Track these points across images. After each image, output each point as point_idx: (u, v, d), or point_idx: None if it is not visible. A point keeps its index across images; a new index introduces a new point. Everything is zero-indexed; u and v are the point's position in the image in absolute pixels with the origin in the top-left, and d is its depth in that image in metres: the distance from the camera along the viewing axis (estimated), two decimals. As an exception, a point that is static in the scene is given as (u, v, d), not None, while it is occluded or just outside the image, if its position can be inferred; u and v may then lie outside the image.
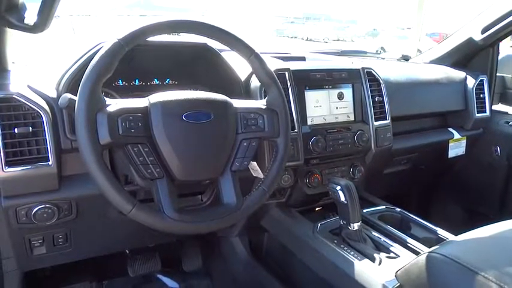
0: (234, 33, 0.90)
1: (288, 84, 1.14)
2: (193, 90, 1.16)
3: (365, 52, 1.97)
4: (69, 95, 0.76)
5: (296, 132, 1.13)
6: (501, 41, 1.67)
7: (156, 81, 1.18)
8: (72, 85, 0.91)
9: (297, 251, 1.18)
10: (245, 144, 0.88)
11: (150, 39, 0.83)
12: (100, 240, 1.18)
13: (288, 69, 1.15)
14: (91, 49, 0.96)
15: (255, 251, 1.38)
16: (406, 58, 1.93)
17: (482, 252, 0.79)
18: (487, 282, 0.68)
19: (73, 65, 0.94)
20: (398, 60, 1.94)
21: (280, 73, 1.13)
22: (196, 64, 1.16)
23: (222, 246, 1.47)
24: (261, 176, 0.96)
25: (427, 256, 0.79)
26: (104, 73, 0.76)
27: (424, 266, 0.78)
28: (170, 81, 1.19)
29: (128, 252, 1.48)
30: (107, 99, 0.77)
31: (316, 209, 1.35)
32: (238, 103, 0.90)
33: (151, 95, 0.82)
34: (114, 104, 0.76)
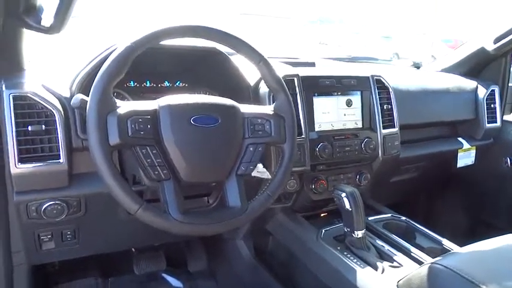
0: (243, 39, 0.92)
1: (297, 90, 1.15)
2: (203, 93, 1.18)
3: (376, 59, 1.97)
4: (81, 96, 0.78)
5: (303, 138, 1.14)
6: (513, 51, 1.65)
7: (166, 83, 1.20)
8: (85, 86, 0.94)
9: (300, 255, 1.19)
10: (251, 149, 0.89)
11: (162, 42, 0.85)
12: (107, 237, 1.20)
13: (297, 76, 1.16)
14: (104, 51, 0.98)
15: (259, 254, 1.39)
16: (417, 66, 1.92)
17: (486, 265, 0.79)
18: None
19: (86, 66, 0.96)
20: (409, 67, 1.94)
21: (289, 79, 1.14)
22: (206, 67, 1.18)
23: (227, 248, 1.48)
24: (268, 176, 0.96)
25: (430, 267, 0.79)
26: (115, 76, 0.78)
27: (426, 277, 0.78)
28: (180, 84, 1.21)
29: (133, 250, 1.51)
30: (117, 100, 0.79)
31: (322, 215, 1.36)
32: (245, 108, 0.91)
33: (160, 97, 0.84)
34: (124, 106, 0.78)
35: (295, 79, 1.15)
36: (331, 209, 1.33)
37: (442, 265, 0.77)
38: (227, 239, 1.46)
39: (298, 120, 1.13)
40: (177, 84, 1.21)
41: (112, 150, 0.77)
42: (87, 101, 0.77)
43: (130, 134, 0.77)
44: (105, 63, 0.78)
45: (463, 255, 0.83)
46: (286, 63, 1.34)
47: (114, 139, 0.75)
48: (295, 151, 0.96)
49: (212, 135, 0.84)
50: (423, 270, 0.80)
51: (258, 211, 0.88)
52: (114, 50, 0.80)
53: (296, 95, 1.14)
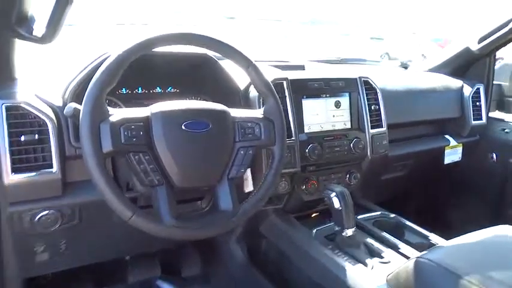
0: (231, 45, 0.94)
1: (286, 93, 1.17)
2: (194, 99, 1.20)
3: (364, 60, 2.01)
4: (74, 105, 0.80)
5: (293, 139, 1.16)
6: (497, 50, 1.69)
7: (158, 90, 1.22)
8: (77, 94, 0.95)
9: (293, 256, 1.21)
10: (242, 152, 0.92)
11: (154, 49, 0.87)
12: (101, 246, 1.21)
13: (285, 79, 1.18)
14: (96, 59, 0.99)
15: (253, 256, 1.42)
16: (405, 66, 1.96)
17: (469, 257, 0.82)
18: (470, 285, 0.71)
19: (78, 75, 0.98)
20: (397, 68, 1.97)
21: (278, 82, 1.16)
22: (197, 73, 1.20)
23: (221, 252, 1.50)
24: (251, 189, 0.99)
25: (416, 261, 0.82)
26: (107, 84, 0.80)
27: (412, 271, 0.81)
28: (172, 90, 1.23)
29: (127, 258, 1.51)
30: (110, 108, 0.81)
31: (313, 215, 1.38)
32: (236, 112, 0.93)
33: (153, 103, 0.86)
34: (116, 114, 0.80)
35: (284, 82, 1.18)
36: (323, 209, 1.35)
37: (427, 259, 0.80)
38: (221, 243, 1.48)
39: (288, 122, 1.15)
40: (168, 90, 1.23)
41: (105, 158, 0.79)
42: (80, 110, 0.78)
43: (123, 141, 0.79)
44: (97, 71, 0.80)
45: (447, 248, 0.87)
46: (276, 66, 1.37)
47: (107, 146, 0.77)
48: (285, 153, 0.99)
49: (203, 140, 0.87)
50: (410, 264, 0.83)
51: (249, 213, 0.91)
52: (106, 59, 0.82)
53: (285, 97, 1.17)
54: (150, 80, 1.19)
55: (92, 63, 0.99)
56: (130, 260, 1.51)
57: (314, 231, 1.19)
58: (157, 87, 1.22)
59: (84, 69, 0.98)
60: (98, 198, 0.79)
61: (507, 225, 0.99)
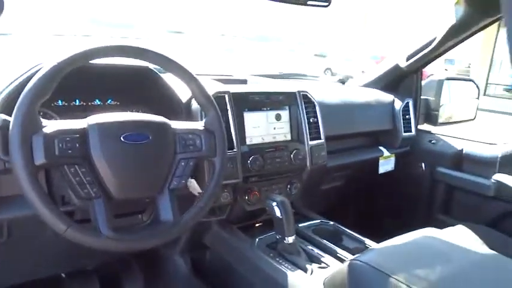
0: (172, 58, 0.96)
1: (228, 106, 1.20)
2: (135, 111, 1.19)
3: (305, 75, 2.10)
4: (3, 116, 0.77)
5: (235, 151, 1.19)
6: (423, 67, 1.84)
7: (97, 102, 1.19)
8: (7, 105, 0.91)
9: (236, 265, 1.23)
10: (183, 163, 0.93)
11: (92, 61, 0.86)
12: (34, 263, 1.15)
13: (227, 92, 1.21)
14: (29, 70, 0.96)
15: (197, 269, 1.41)
16: (342, 81, 2.07)
17: (397, 257, 0.88)
18: (398, 283, 0.77)
19: (9, 85, 0.94)
20: (334, 83, 2.08)
21: (220, 96, 1.19)
22: (139, 86, 1.19)
23: (164, 266, 1.48)
24: (198, 190, 1.00)
25: (349, 264, 0.87)
26: (40, 96, 0.78)
27: (346, 273, 0.86)
28: (112, 102, 1.21)
29: (63, 275, 1.44)
30: (44, 120, 0.79)
31: (256, 225, 1.41)
32: (176, 124, 0.94)
33: (90, 116, 0.85)
34: (50, 125, 0.78)
35: (226, 96, 1.21)
36: (265, 219, 1.39)
37: (359, 261, 0.86)
38: (164, 256, 1.46)
39: (230, 135, 1.18)
40: (108, 102, 1.21)
41: (38, 171, 0.76)
42: (9, 121, 0.76)
43: (57, 153, 0.77)
44: (29, 82, 0.78)
45: (378, 250, 0.93)
46: (218, 80, 1.40)
47: (39, 159, 0.75)
48: (226, 164, 1.01)
49: (143, 151, 0.86)
50: (344, 267, 0.88)
51: (190, 223, 0.91)
52: (39, 70, 0.80)
53: (227, 110, 1.20)
54: (88, 92, 1.17)
55: (24, 73, 0.95)
56: (67, 278, 1.44)
57: (256, 240, 1.22)
58: (96, 100, 1.19)
59: (16, 79, 0.95)
60: (30, 212, 0.76)
61: (433, 228, 1.08)
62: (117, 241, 0.81)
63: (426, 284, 0.77)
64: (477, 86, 2.03)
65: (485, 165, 1.61)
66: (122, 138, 0.83)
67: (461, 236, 1.19)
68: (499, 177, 1.55)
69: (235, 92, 1.23)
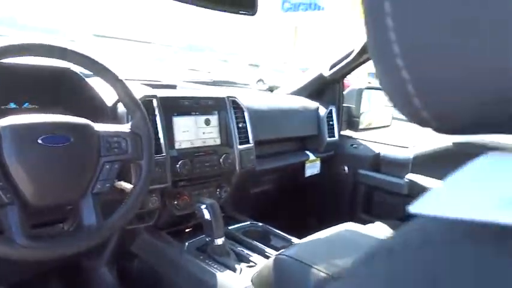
0: (97, 60, 0.93)
1: (156, 110, 1.19)
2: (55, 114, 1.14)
3: (235, 83, 2.15)
4: None
5: (164, 155, 1.18)
6: (345, 77, 1.98)
7: (12, 105, 1.12)
8: None
9: (166, 271, 1.21)
10: (108, 167, 0.91)
11: (4, 60, 0.82)
12: None
13: (155, 96, 1.21)
14: None
15: (124, 279, 1.37)
16: (271, 89, 2.15)
17: (318, 249, 0.94)
18: (318, 272, 0.82)
19: None
20: (263, 91, 2.15)
21: (148, 100, 1.18)
22: (60, 88, 1.14)
23: (89, 279, 1.41)
24: (129, 188, 0.98)
25: (274, 258, 0.91)
26: None
27: (272, 267, 0.90)
28: (29, 106, 1.15)
29: None
30: None
31: (186, 230, 1.41)
32: (100, 127, 0.92)
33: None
34: None
35: (154, 100, 1.20)
36: (196, 223, 1.39)
37: (284, 255, 0.90)
38: (89, 268, 1.39)
39: (158, 139, 1.17)
40: (24, 106, 1.14)
41: None
42: None
43: None
44: None
45: (300, 245, 0.98)
46: (147, 85, 1.38)
47: None
48: (153, 167, 1.00)
49: (63, 154, 0.83)
50: (270, 262, 0.92)
51: (115, 227, 0.89)
52: None
53: (155, 115, 1.19)
54: (1, 94, 1.09)
55: None
56: None
57: (186, 244, 1.22)
58: (11, 103, 1.12)
59: None
60: None
61: (350, 223, 1.17)
62: (34, 249, 0.77)
63: (342, 270, 0.83)
64: (392, 95, 2.21)
65: (400, 167, 1.76)
66: (39, 141, 0.80)
67: (375, 230, 1.30)
68: (411, 176, 1.70)
69: (164, 97, 1.23)
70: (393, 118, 2.21)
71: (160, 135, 1.18)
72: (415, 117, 0.24)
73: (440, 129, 0.24)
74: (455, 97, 0.21)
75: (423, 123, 0.24)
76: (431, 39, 0.20)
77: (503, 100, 0.20)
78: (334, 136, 1.92)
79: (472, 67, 0.20)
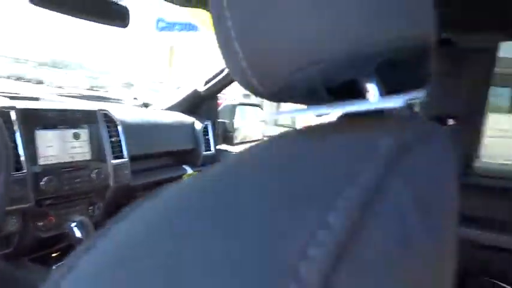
0: None
1: (15, 123, 1.09)
2: None
3: (108, 98, 2.06)
4: None
5: (24, 172, 1.08)
6: (218, 93, 2.07)
7: None
8: None
9: None
10: None
11: None
12: None
13: (13, 108, 1.10)
14: None
15: None
16: (146, 105, 2.12)
17: None
18: None
19: None
20: (138, 106, 2.11)
21: (4, 112, 1.07)
22: None
23: None
24: None
25: None
26: None
27: None
28: None
29: None
30: None
31: (54, 254, 1.28)
32: None
33: None
34: None
35: (12, 112, 1.09)
36: (68, 245, 1.28)
37: None
38: None
39: (18, 155, 1.07)
40: None
41: None
42: None
43: None
44: None
45: None
46: (4, 96, 1.25)
47: None
48: (7, 185, 0.90)
49: None
50: None
51: None
52: None
53: (14, 128, 1.08)
54: None
55: None
56: None
57: (54, 268, 1.11)
58: None
59: None
60: None
61: None
62: None
63: None
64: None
65: None
66: None
67: None
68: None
69: (24, 108, 1.13)
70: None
71: (20, 150, 1.08)
72: (248, 86, 0.31)
73: (263, 94, 0.32)
74: (274, 66, 0.28)
75: (255, 92, 0.32)
76: (258, 23, 0.27)
77: (313, 68, 0.27)
78: (210, 150, 1.98)
79: (283, 40, 0.27)
